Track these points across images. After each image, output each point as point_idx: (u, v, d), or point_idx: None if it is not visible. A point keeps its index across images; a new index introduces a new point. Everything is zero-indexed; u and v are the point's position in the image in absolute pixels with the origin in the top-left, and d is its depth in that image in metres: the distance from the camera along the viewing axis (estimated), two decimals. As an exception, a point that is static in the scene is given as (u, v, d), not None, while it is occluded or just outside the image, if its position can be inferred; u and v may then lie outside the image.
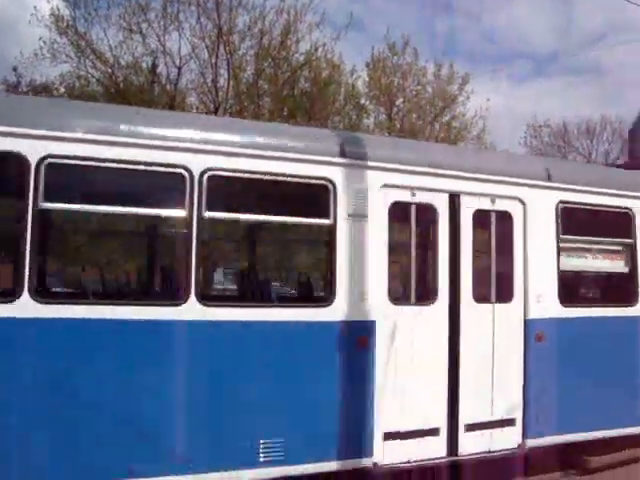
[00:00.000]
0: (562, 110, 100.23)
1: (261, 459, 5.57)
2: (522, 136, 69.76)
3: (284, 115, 21.75)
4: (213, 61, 21.51)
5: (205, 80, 21.95)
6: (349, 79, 23.66)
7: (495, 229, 6.87)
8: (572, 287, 7.68)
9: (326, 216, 5.99)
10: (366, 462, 6.04)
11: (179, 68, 21.81)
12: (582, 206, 7.39)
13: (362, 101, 23.69)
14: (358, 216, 6.07)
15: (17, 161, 4.99)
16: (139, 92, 20.79)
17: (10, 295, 4.97)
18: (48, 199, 5.07)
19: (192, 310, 5.40)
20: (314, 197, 6.15)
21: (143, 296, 7.16)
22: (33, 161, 4.97)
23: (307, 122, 21.17)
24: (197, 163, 5.50)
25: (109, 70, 21.43)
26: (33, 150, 4.99)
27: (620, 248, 7.71)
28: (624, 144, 59.57)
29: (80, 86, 21.10)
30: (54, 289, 7.19)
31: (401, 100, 23.99)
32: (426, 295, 6.59)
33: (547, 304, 6.97)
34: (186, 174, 5.46)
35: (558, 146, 60.41)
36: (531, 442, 6.85)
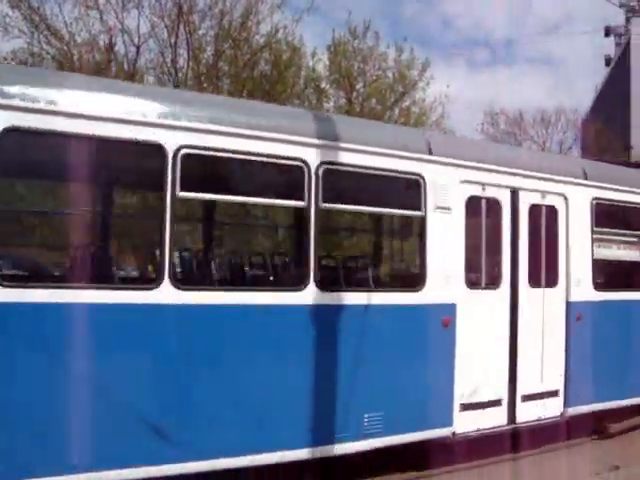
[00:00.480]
0: (518, 98, 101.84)
1: (365, 431, 6.15)
2: (479, 123, 71.08)
3: (243, 97, 21.63)
4: (172, 41, 21.26)
5: (164, 60, 21.65)
6: (310, 62, 23.63)
7: (545, 222, 7.83)
8: (603, 273, 8.62)
9: (418, 208, 6.69)
10: (447, 431, 6.81)
11: (138, 47, 21.49)
12: (611, 202, 8.53)
13: (322, 85, 23.65)
14: (443, 209, 6.80)
15: (158, 151, 5.29)
16: (95, 71, 20.36)
17: (152, 282, 5.37)
18: (184, 189, 5.39)
19: (311, 295, 5.92)
20: (408, 191, 6.79)
21: (272, 282, 7.45)
22: (170, 151, 5.31)
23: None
24: (314, 157, 6.01)
25: (64, 47, 20.88)
26: (171, 141, 5.31)
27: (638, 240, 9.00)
28: (577, 134, 61.36)
29: (34, 63, 20.51)
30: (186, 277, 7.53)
31: (361, 84, 24.02)
32: (492, 280, 7.37)
33: (584, 288, 8.02)
34: (305, 167, 5.94)
35: (514, 134, 61.76)
36: (571, 410, 7.85)
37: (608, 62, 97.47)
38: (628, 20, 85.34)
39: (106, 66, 20.91)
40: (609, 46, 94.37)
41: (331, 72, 23.42)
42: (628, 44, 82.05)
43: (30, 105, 4.85)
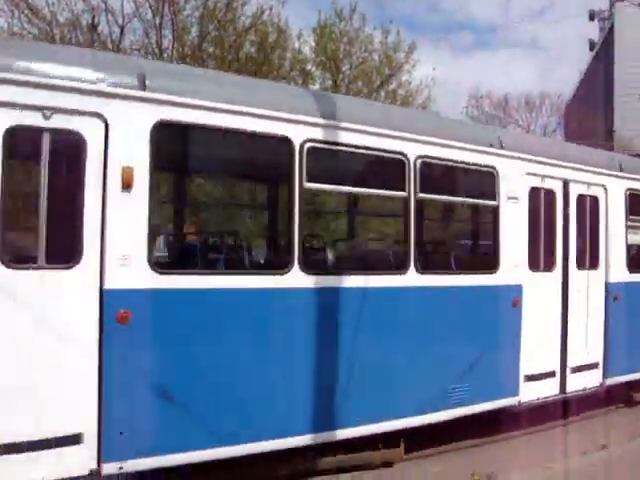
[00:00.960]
0: (503, 82, 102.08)
1: (451, 401, 6.88)
2: (464, 106, 71.16)
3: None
4: (157, 22, 20.99)
5: (149, 41, 21.40)
6: (295, 44, 23.47)
7: (589, 210, 8.69)
8: (634, 257, 9.52)
9: (492, 198, 7.42)
10: (515, 400, 7.59)
11: (122, 27, 21.20)
12: None
13: (308, 67, 23.52)
14: (513, 199, 7.56)
15: (287, 145, 5.77)
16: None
17: (283, 268, 5.77)
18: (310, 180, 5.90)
19: (412, 278, 6.60)
20: (484, 182, 7.48)
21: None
22: (297, 144, 5.79)
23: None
24: (413, 150, 6.61)
25: (46, 27, 20.55)
26: (299, 134, 5.81)
27: None
28: (561, 118, 61.65)
29: (15, 43, 20.14)
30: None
31: (347, 67, 23.92)
32: (549, 263, 8.13)
33: (620, 271, 8.99)
34: (405, 160, 6.52)
35: (499, 117, 61.99)
36: (608, 381, 8.81)
37: (592, 46, 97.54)
38: (612, 5, 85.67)
39: (89, 46, 20.61)
40: (593, 30, 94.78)
41: (317, 54, 23.28)
42: (612, 28, 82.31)
43: (177, 99, 5.23)
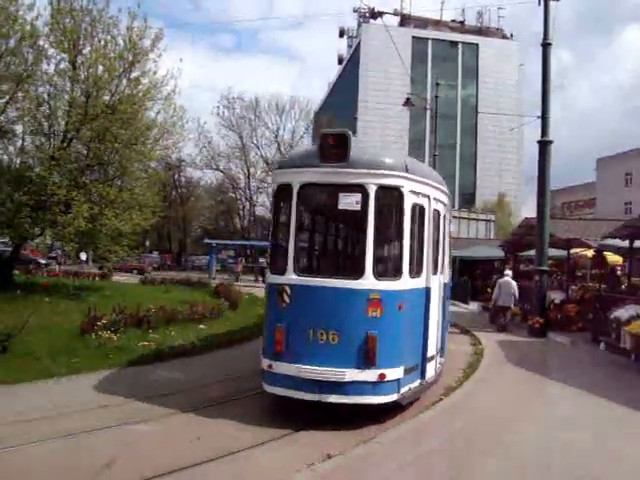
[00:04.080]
0: (258, 86, 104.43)
1: None
2: (215, 106, 71.11)
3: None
4: None
5: None
6: (27, 15, 20.89)
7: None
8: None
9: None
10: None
11: None
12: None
13: (41, 43, 21.08)
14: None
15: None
16: None
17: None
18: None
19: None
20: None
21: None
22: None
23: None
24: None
25: None
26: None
27: None
28: (309, 124, 64.72)
29: None
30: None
31: (88, 49, 21.92)
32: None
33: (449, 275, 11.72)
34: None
35: (249, 119, 63.09)
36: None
37: (341, 61, 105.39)
38: (359, 25, 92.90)
39: None
40: (342, 46, 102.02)
41: (52, 30, 20.96)
42: (358, 45, 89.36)
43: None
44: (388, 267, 8.74)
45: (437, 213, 9.77)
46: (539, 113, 18.84)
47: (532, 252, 22.66)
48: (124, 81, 21.67)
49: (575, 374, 12.13)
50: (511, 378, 11.95)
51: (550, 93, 18.61)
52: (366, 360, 7.98)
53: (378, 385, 8.11)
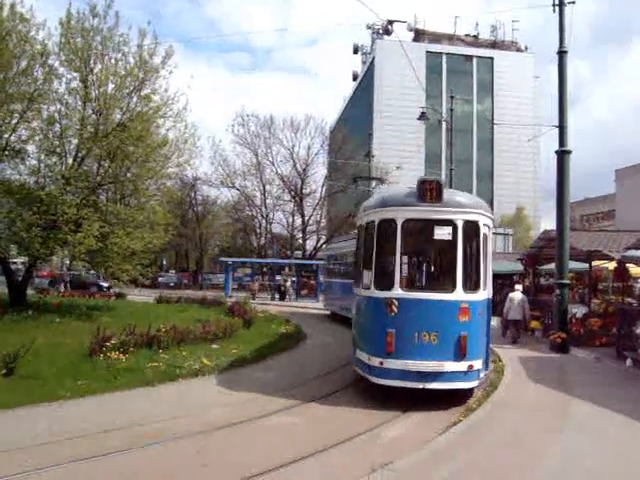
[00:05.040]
0: (273, 104, 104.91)
1: None
2: (230, 124, 71.07)
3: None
4: None
5: None
6: (38, 35, 20.94)
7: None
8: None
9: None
10: None
11: None
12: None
13: (52, 62, 21.08)
14: None
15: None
16: None
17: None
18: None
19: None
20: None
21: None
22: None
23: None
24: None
25: None
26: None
27: None
28: (324, 140, 64.48)
29: None
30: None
31: (99, 67, 21.90)
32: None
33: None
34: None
35: (264, 136, 62.94)
36: None
37: (355, 77, 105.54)
38: (373, 41, 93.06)
39: None
40: (357, 63, 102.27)
41: (63, 49, 20.96)
42: (373, 61, 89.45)
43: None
44: (471, 283, 10.94)
45: (488, 237, 11.66)
46: (552, 125, 18.39)
47: (551, 266, 22.09)
48: (135, 98, 21.65)
49: (604, 392, 11.53)
50: (534, 399, 11.34)
51: (567, 101, 18.15)
52: (459, 354, 10.42)
53: (467, 373, 10.56)
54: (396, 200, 11.49)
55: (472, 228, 11.01)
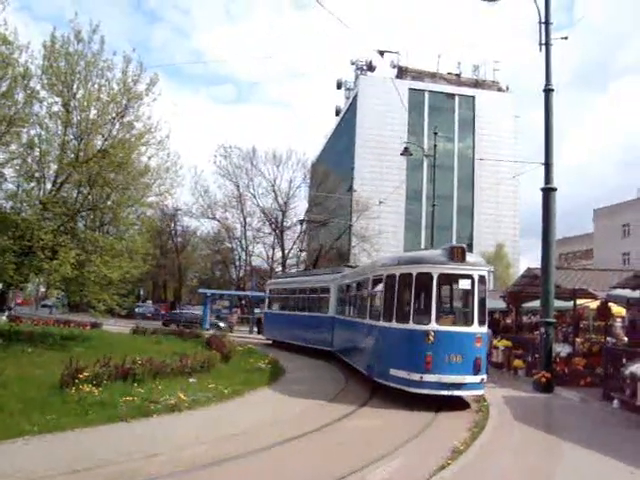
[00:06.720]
0: (256, 136, 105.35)
1: None
2: (213, 154, 70.80)
3: None
4: None
5: None
6: (22, 57, 20.62)
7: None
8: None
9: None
10: None
11: None
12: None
13: (33, 85, 20.72)
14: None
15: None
16: None
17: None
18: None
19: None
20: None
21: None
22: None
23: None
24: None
25: None
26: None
27: None
28: (306, 174, 64.52)
29: None
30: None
31: (82, 92, 21.59)
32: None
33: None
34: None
35: (246, 169, 62.82)
36: None
37: (338, 112, 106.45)
38: (357, 77, 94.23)
39: None
40: (340, 98, 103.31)
41: (45, 72, 20.65)
42: (356, 97, 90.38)
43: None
44: (482, 319, 14.53)
45: (487, 285, 15.59)
46: (537, 162, 18.42)
47: (534, 303, 21.89)
48: (117, 125, 21.34)
49: (594, 436, 11.23)
50: (522, 442, 10.98)
51: (553, 139, 18.16)
52: (475, 370, 14.00)
53: (479, 384, 14.26)
54: (431, 259, 14.93)
55: (482, 280, 14.72)
